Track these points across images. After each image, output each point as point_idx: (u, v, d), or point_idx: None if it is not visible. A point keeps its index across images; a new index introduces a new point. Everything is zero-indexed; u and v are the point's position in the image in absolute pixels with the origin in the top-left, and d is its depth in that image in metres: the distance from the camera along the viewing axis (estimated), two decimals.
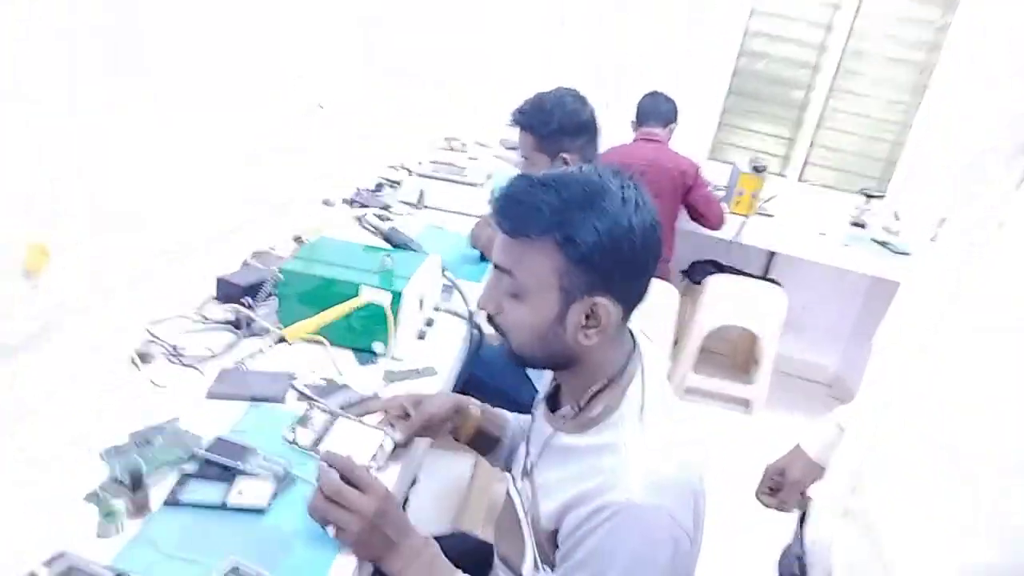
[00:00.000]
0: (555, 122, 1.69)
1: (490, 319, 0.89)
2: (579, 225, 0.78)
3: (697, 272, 3.10)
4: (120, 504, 0.79)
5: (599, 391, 0.86)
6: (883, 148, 3.20)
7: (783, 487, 1.20)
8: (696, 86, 2.99)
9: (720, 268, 3.09)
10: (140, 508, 0.81)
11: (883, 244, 2.91)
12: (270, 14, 1.46)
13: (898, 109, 3.13)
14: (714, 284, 2.94)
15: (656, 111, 2.76)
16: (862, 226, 3.06)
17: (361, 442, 0.98)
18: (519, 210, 0.81)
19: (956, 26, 2.90)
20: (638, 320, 0.91)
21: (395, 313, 1.21)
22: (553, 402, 0.96)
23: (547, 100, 1.72)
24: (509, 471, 1.13)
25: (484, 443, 1.13)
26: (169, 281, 1.26)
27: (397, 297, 1.21)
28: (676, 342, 3.14)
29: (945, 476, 0.64)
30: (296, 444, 0.97)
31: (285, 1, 1.53)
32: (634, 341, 0.91)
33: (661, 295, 2.71)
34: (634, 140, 2.78)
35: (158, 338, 1.16)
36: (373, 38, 2.08)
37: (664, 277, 2.77)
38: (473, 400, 1.12)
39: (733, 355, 3.46)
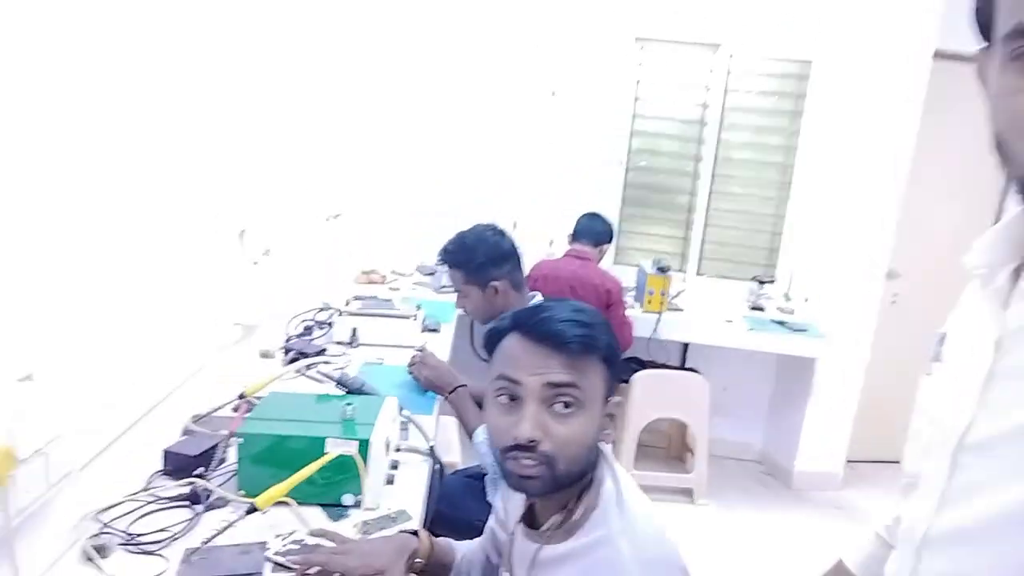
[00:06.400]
0: (480, 256, 1.81)
1: (524, 451, 0.85)
2: (608, 338, 0.90)
3: (621, 371, 3.22)
4: None
5: (582, 492, 0.90)
6: (765, 238, 3.56)
7: None
8: (594, 201, 3.25)
9: (642, 364, 3.22)
10: None
11: (782, 324, 3.17)
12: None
13: (771, 203, 3.52)
14: (641, 380, 3.06)
15: (589, 231, 2.99)
16: (761, 309, 3.33)
17: None
18: (585, 330, 0.87)
19: (804, 131, 3.37)
20: None
21: (365, 461, 1.20)
22: (529, 520, 0.98)
23: (468, 237, 1.86)
24: None
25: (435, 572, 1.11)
26: (112, 461, 1.19)
27: (365, 445, 1.20)
28: (613, 443, 3.19)
29: None
30: None
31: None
32: None
33: None
34: (564, 255, 2.98)
35: (111, 526, 1.08)
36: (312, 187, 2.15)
37: None
38: (416, 534, 1.10)
39: (668, 446, 3.55)
